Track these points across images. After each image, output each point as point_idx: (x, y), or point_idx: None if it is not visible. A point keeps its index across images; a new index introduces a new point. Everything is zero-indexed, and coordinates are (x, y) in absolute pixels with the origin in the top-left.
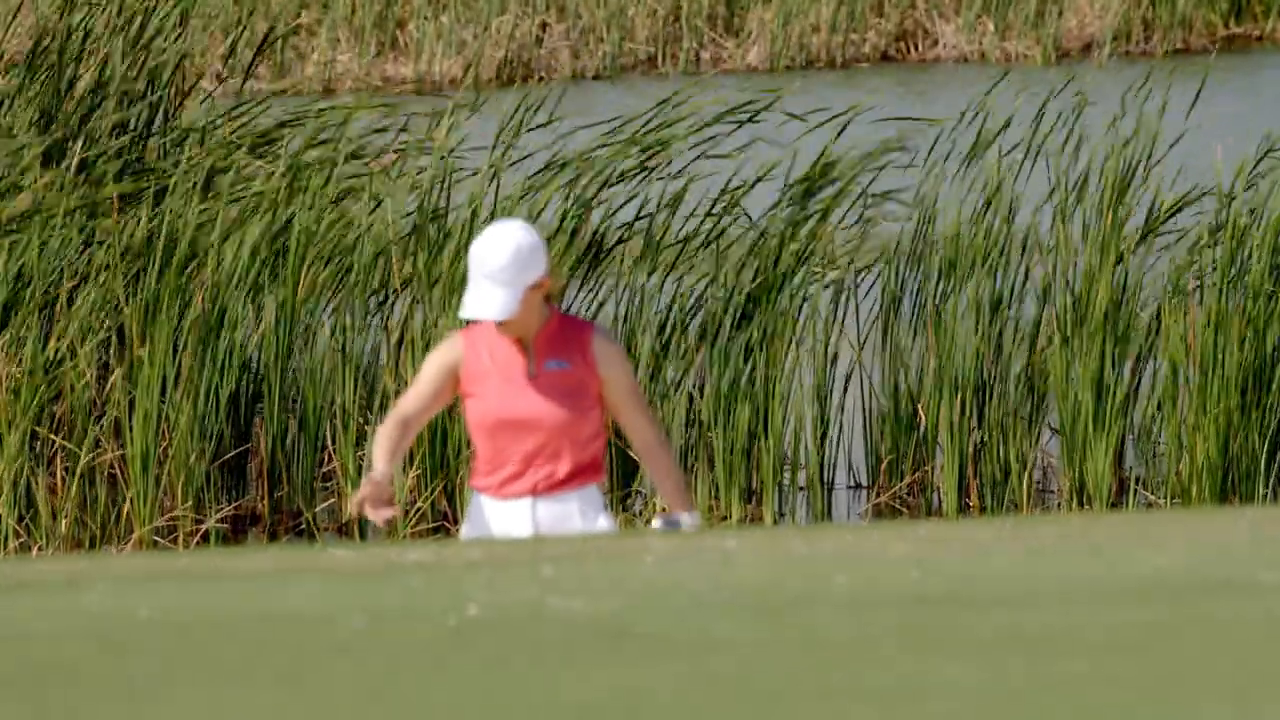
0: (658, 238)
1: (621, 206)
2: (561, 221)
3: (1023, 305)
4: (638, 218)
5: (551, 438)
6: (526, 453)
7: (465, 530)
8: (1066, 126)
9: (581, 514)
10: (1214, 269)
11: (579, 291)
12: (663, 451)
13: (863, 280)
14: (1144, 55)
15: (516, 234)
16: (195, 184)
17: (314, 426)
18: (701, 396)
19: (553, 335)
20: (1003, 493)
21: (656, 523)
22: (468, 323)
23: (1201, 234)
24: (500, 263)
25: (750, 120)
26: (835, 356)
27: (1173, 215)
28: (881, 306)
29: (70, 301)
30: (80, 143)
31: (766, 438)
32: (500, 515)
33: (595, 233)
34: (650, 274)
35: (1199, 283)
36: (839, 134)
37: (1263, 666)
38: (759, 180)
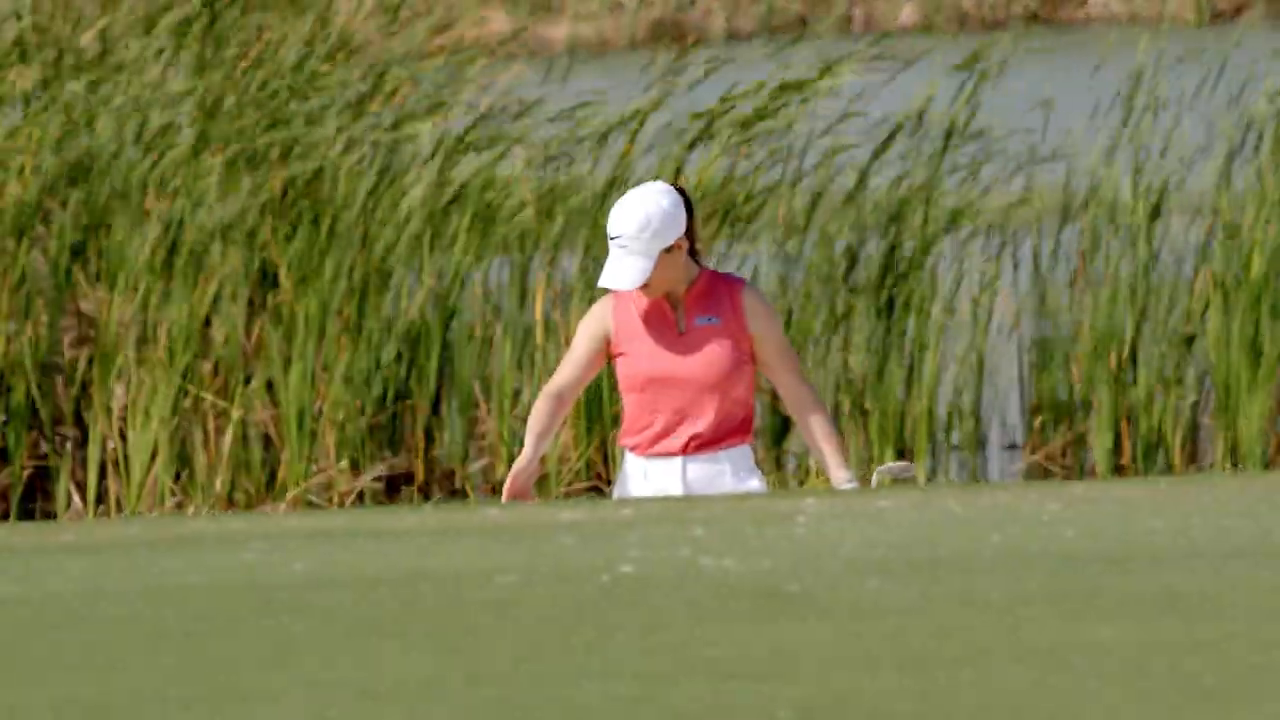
0: (808, 196)
1: (752, 165)
2: (700, 182)
3: (1178, 265)
4: (779, 177)
5: (702, 394)
6: (677, 410)
7: (617, 490)
8: (1225, 86)
9: (733, 474)
10: None
11: (725, 250)
12: (817, 408)
13: (1017, 239)
14: None
15: (648, 199)
16: (348, 142)
17: (467, 387)
18: (854, 356)
19: (702, 292)
20: (1156, 453)
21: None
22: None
23: None
24: (631, 230)
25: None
26: (989, 316)
27: None
28: (1036, 266)
29: (223, 259)
30: (234, 99)
31: (920, 398)
32: (651, 474)
33: (742, 192)
34: (801, 232)
35: None
36: (971, 89)
37: None
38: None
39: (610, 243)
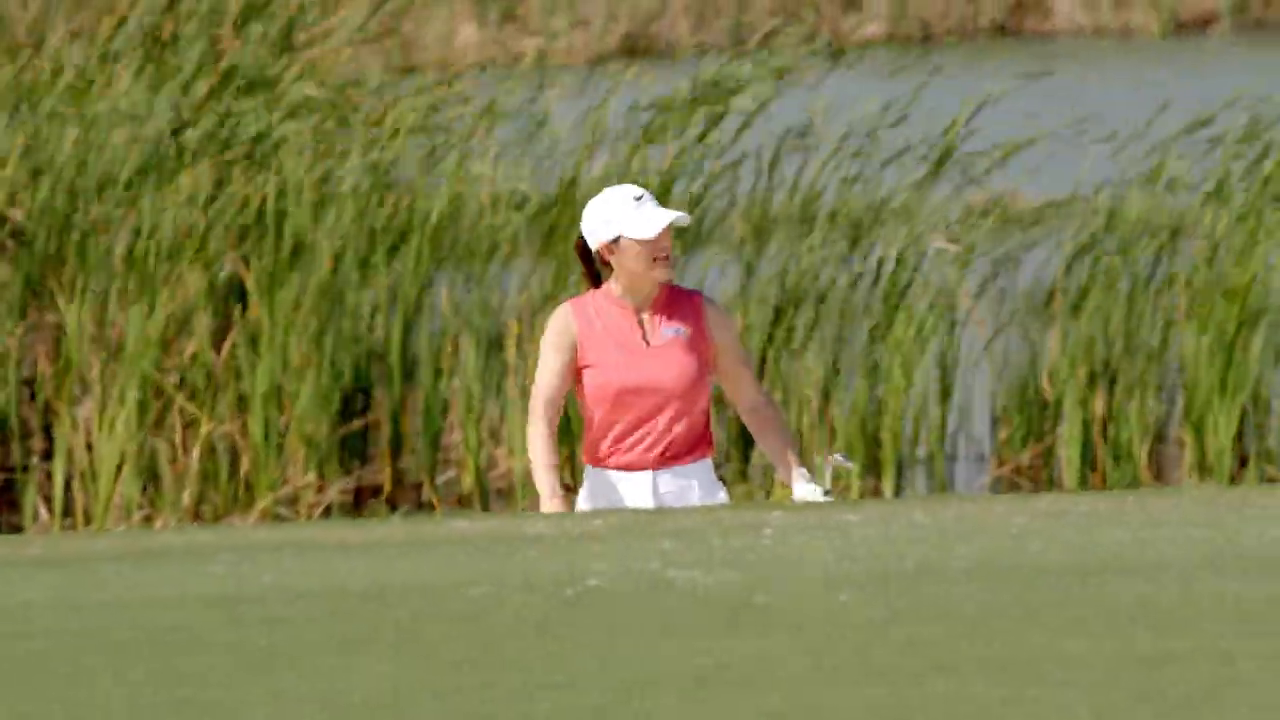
0: (779, 209)
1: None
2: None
3: (1151, 279)
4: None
5: (671, 405)
6: (647, 422)
7: (581, 504)
8: (1201, 101)
9: (701, 487)
10: None
11: (688, 261)
12: (778, 416)
13: (988, 251)
14: (1260, 27)
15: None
16: (308, 153)
17: (434, 399)
18: (821, 367)
19: (665, 304)
20: (1125, 466)
21: (827, 465)
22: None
23: None
24: (649, 192)
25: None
26: (958, 329)
27: None
28: (1007, 279)
29: (190, 272)
30: (200, 114)
31: (888, 410)
32: (621, 488)
33: (706, 205)
34: (766, 244)
35: None
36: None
37: None
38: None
39: (636, 202)
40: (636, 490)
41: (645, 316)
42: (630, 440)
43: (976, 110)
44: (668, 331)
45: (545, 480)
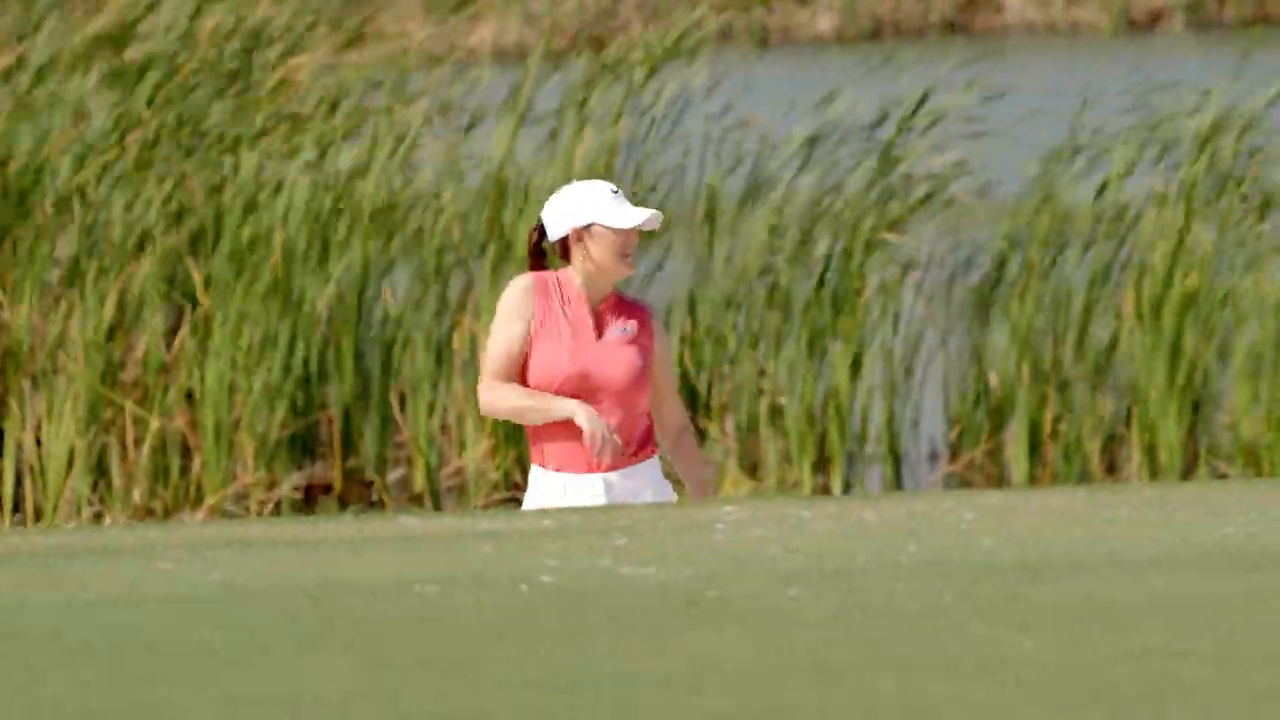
0: (732, 203)
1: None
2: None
3: (1099, 276)
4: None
5: (618, 401)
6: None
7: (530, 504)
8: (1152, 97)
9: (653, 487)
10: None
11: (649, 256)
12: (695, 438)
13: (939, 249)
14: (1215, 25)
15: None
16: (260, 147)
17: (384, 396)
18: (773, 364)
19: (615, 305)
20: (1075, 463)
21: None
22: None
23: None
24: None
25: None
26: (908, 325)
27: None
28: (957, 276)
29: (140, 266)
30: (151, 110)
31: (837, 407)
32: (570, 489)
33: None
34: (716, 239)
35: None
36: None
37: None
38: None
39: (614, 195)
40: (589, 493)
41: (598, 312)
42: (579, 440)
43: (922, 102)
44: (618, 329)
45: (552, 401)
